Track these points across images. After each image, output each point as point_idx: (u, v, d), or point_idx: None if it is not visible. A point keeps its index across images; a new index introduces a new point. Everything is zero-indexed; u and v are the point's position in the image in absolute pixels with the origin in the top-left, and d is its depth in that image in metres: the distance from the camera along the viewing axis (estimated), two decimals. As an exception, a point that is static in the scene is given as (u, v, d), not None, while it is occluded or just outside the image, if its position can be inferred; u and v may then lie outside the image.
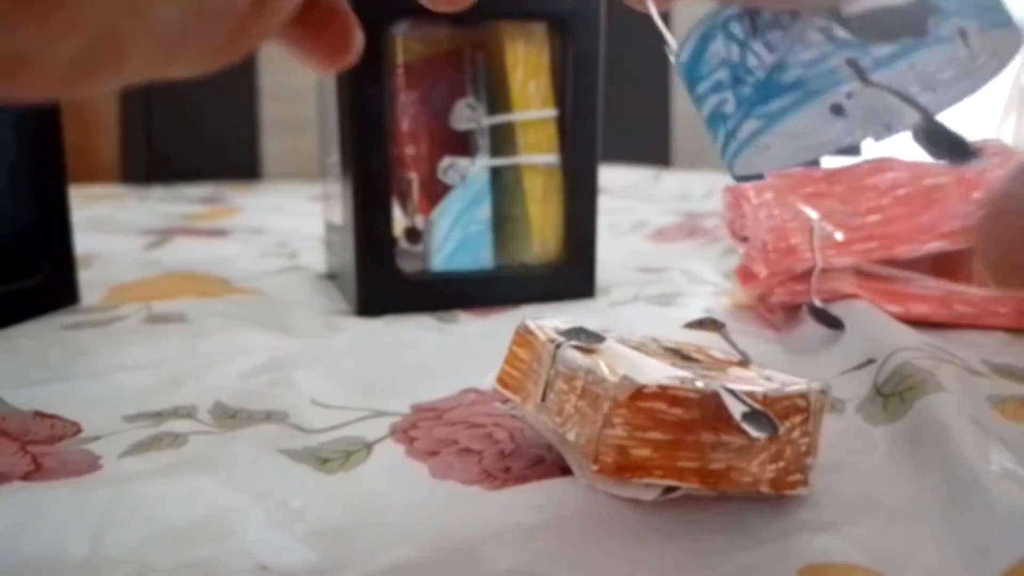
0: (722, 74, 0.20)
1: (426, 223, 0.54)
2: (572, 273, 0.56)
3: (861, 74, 0.18)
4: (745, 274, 0.53)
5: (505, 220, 0.55)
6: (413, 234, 0.54)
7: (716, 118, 0.20)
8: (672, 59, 0.21)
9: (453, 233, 0.54)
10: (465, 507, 0.29)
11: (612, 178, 1.04)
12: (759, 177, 0.21)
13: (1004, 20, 0.20)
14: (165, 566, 0.25)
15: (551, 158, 0.54)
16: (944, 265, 0.48)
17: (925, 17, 0.18)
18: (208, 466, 0.31)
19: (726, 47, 0.20)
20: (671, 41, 0.21)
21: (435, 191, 0.53)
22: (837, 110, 0.19)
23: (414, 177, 0.53)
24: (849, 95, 0.19)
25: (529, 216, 0.55)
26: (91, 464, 0.32)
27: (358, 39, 0.23)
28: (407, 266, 0.53)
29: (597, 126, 0.55)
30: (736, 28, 0.19)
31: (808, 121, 0.20)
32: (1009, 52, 0.19)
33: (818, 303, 0.46)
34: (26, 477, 0.31)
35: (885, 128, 0.20)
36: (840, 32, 0.18)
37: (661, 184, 1.15)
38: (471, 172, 0.53)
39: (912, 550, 0.26)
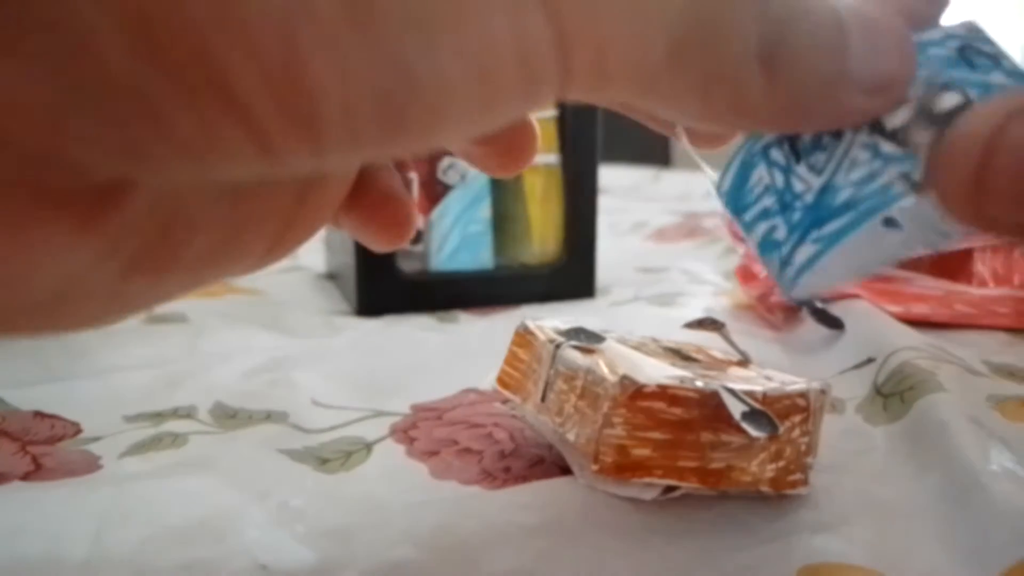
0: (768, 201, 0.19)
1: (426, 223, 0.54)
2: (572, 273, 0.56)
3: (916, 188, 0.17)
4: (745, 274, 0.53)
5: (505, 220, 0.55)
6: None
7: (768, 245, 0.19)
8: (713, 190, 0.21)
9: (453, 233, 0.54)
10: (465, 507, 0.29)
11: (612, 178, 1.04)
12: (815, 297, 0.21)
13: None
14: (165, 566, 0.25)
15: (551, 158, 0.54)
16: (944, 265, 0.48)
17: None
18: (208, 466, 0.31)
19: (769, 173, 0.19)
20: (710, 173, 0.21)
21: (435, 191, 0.53)
22: (890, 223, 0.19)
23: (414, 177, 0.53)
24: (902, 208, 0.19)
25: (529, 216, 0.55)
26: (91, 464, 0.32)
27: (414, 221, 0.22)
28: (407, 266, 0.53)
29: (597, 126, 0.55)
30: (776, 154, 0.19)
31: (864, 239, 0.19)
32: None
33: (818, 303, 0.46)
34: (26, 477, 0.31)
35: (942, 237, 0.20)
36: (887, 147, 0.18)
37: (661, 184, 1.15)
38: (471, 172, 0.53)
39: (912, 550, 0.26)
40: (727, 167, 0.20)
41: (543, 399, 0.29)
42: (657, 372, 0.28)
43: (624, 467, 0.26)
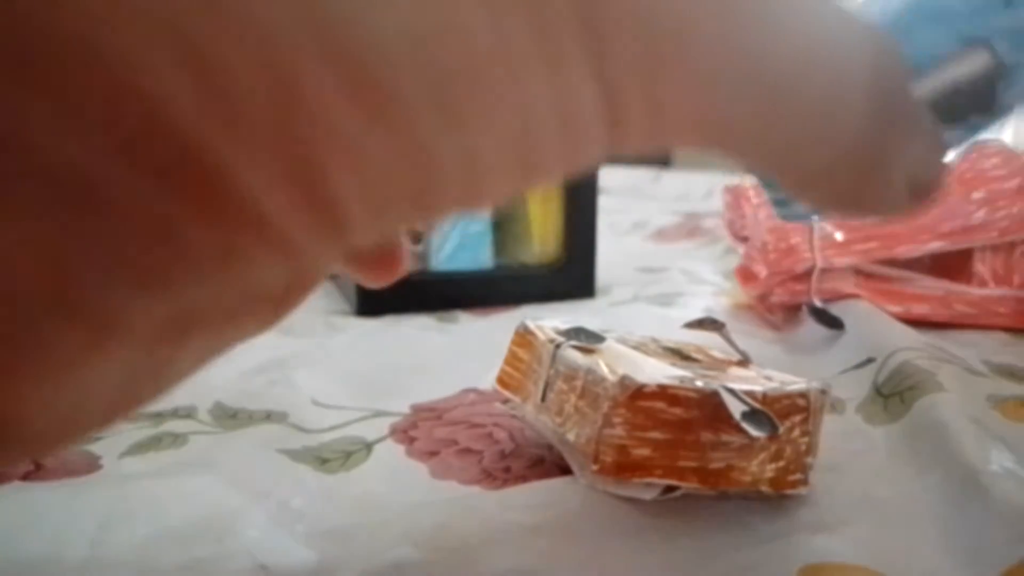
0: None
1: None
2: (572, 273, 0.56)
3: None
4: (745, 274, 0.53)
5: (505, 220, 0.55)
6: (413, 234, 0.54)
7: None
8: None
9: (453, 233, 0.54)
10: (465, 507, 0.28)
11: (612, 178, 1.04)
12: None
13: None
14: (165, 566, 0.25)
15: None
16: (944, 265, 0.48)
17: (993, 90, 0.17)
18: (208, 466, 0.31)
19: None
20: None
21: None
22: None
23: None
24: None
25: (529, 216, 0.55)
26: (91, 464, 0.32)
27: (407, 263, 0.23)
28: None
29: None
30: None
31: None
32: None
33: (818, 303, 0.46)
34: (26, 477, 0.31)
35: None
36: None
37: (661, 184, 1.15)
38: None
39: (912, 550, 0.26)
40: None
41: (543, 399, 0.29)
42: (657, 372, 0.28)
43: (624, 467, 0.26)
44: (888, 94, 0.15)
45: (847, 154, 0.15)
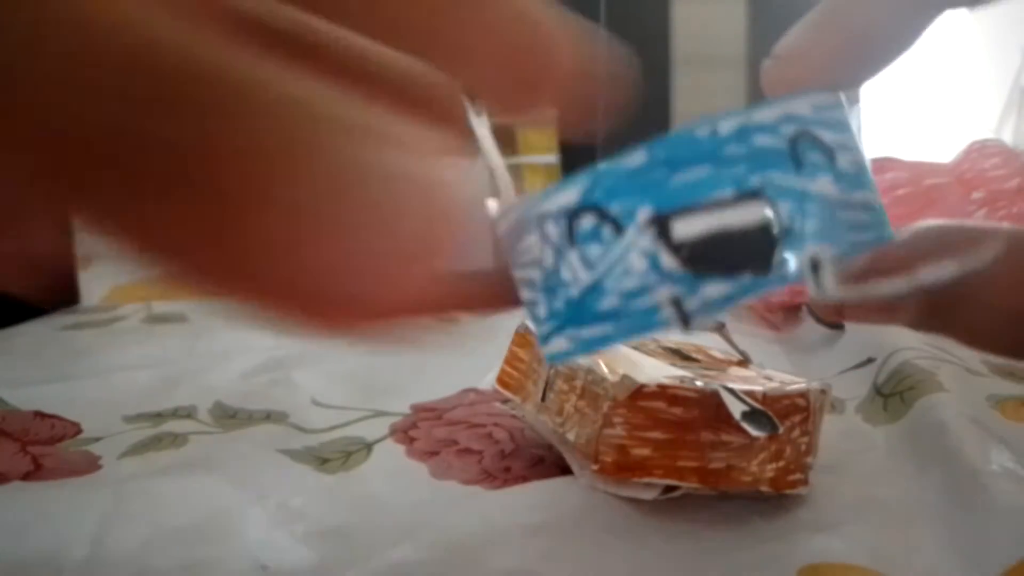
0: (535, 273, 0.17)
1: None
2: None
3: (684, 319, 0.15)
4: (745, 274, 0.52)
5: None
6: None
7: (529, 308, 0.17)
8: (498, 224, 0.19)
9: (453, 233, 0.53)
10: (465, 507, 0.28)
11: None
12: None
13: (878, 239, 0.16)
14: (165, 566, 0.25)
15: (551, 158, 0.54)
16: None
17: (771, 247, 0.15)
18: (208, 466, 0.31)
19: (540, 247, 0.17)
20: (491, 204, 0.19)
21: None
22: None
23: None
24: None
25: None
26: (91, 464, 0.32)
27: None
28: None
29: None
30: (552, 230, 0.16)
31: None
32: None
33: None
34: (26, 477, 0.31)
35: None
36: (669, 261, 0.15)
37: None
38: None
39: (912, 550, 0.26)
40: (504, 209, 0.18)
41: (543, 399, 0.29)
42: (657, 372, 0.28)
43: (624, 467, 0.26)
44: None
45: None
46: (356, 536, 0.27)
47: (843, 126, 0.16)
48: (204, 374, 0.41)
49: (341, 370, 0.42)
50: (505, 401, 0.34)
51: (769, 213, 0.15)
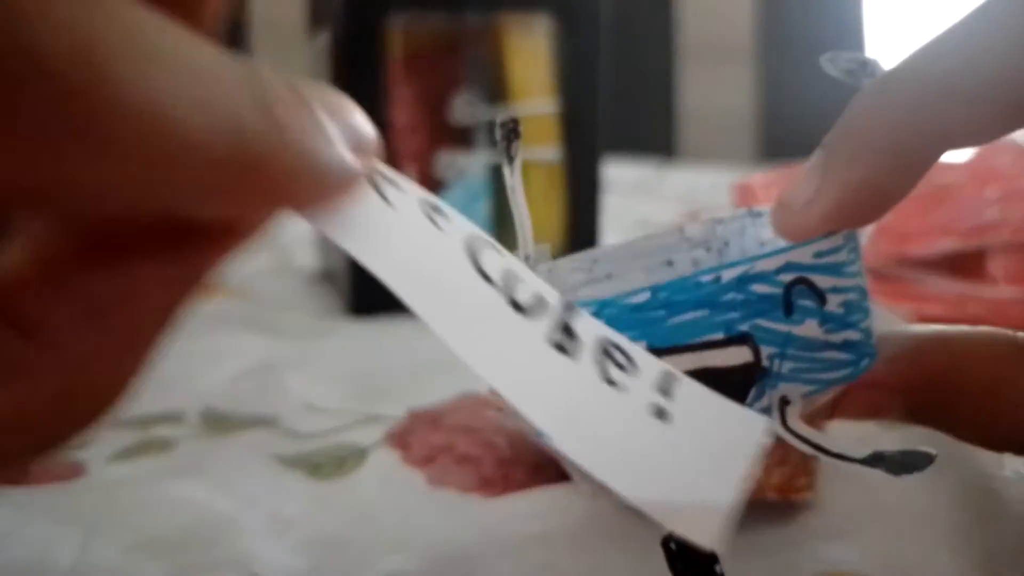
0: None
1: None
2: (571, 273, 0.56)
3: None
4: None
5: (505, 218, 0.54)
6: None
7: None
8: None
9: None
10: (463, 515, 0.28)
11: (615, 175, 1.03)
12: None
13: (852, 375, 0.19)
14: (153, 574, 0.25)
15: (552, 153, 0.54)
16: (962, 266, 0.47)
17: (749, 385, 0.17)
18: (197, 472, 0.31)
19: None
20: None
21: (433, 188, 0.53)
22: None
23: (411, 173, 0.52)
24: None
25: (530, 213, 0.54)
26: (76, 470, 0.31)
27: None
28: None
29: (597, 120, 0.54)
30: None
31: None
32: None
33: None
34: (9, 483, 0.30)
35: None
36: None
37: (665, 181, 1.14)
38: (470, 168, 0.53)
39: (924, 558, 0.25)
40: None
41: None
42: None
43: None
44: None
45: None
46: (350, 545, 0.26)
47: (840, 267, 0.18)
48: (193, 378, 0.40)
49: (334, 373, 0.41)
50: (499, 409, 0.33)
51: (751, 357, 0.17)
